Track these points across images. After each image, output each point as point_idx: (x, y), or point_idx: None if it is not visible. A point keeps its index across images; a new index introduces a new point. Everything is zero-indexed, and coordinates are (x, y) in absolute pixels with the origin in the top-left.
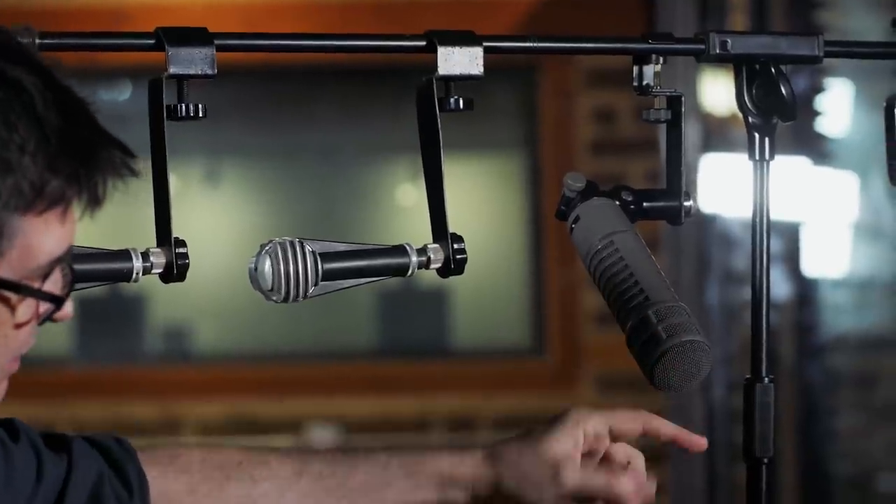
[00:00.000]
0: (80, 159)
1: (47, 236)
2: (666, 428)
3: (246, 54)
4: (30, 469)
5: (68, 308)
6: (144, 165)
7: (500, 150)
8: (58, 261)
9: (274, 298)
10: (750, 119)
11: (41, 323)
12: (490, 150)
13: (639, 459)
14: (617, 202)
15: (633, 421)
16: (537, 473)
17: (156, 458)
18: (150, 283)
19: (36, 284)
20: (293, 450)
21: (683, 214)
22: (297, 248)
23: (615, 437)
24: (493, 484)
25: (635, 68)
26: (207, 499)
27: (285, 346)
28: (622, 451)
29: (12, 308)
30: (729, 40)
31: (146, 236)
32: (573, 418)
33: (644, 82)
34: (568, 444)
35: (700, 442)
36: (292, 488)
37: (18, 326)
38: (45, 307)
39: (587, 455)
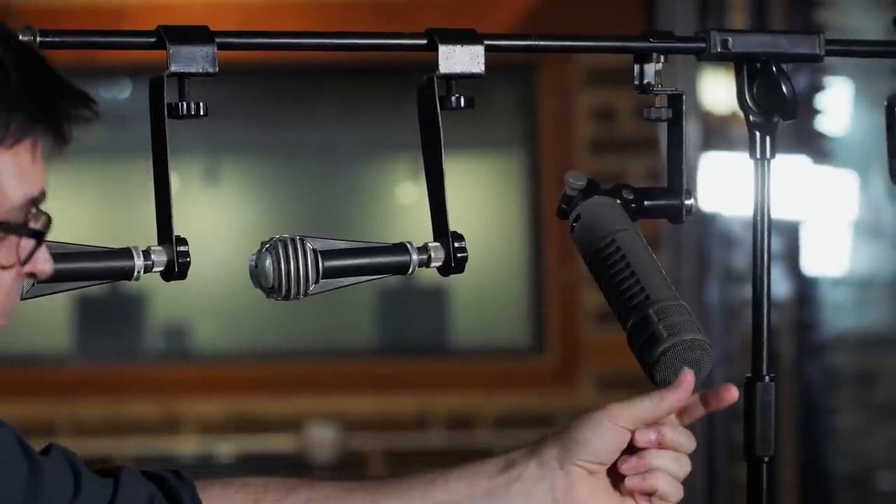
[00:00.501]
0: (41, 97)
1: (19, 173)
2: (700, 408)
3: (246, 53)
4: (63, 483)
5: (47, 262)
6: (145, 164)
7: (500, 149)
8: (33, 201)
9: (274, 296)
10: (751, 117)
11: (24, 264)
12: (490, 149)
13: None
14: (618, 200)
15: (662, 407)
16: (589, 417)
17: (214, 482)
18: (150, 282)
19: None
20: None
21: (684, 213)
22: (298, 246)
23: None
24: (555, 440)
25: (636, 67)
26: None
27: (285, 345)
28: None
29: None
30: (730, 39)
31: (147, 235)
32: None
33: (645, 81)
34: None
35: (731, 393)
36: (357, 490)
37: (2, 269)
38: (25, 248)
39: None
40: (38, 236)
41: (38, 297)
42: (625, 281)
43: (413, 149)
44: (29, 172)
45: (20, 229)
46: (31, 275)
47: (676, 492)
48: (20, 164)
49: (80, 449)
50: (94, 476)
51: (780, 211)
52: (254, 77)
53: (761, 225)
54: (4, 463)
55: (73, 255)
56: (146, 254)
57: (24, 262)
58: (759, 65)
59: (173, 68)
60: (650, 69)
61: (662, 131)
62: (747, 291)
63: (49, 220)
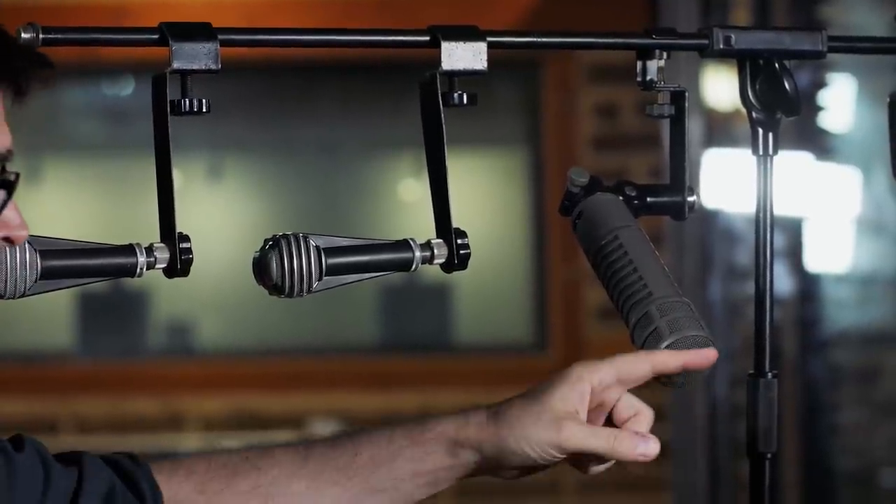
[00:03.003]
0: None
1: None
2: (674, 361)
3: (248, 49)
4: (36, 479)
5: (21, 228)
6: (148, 161)
7: (503, 146)
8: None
9: (277, 293)
10: (753, 114)
11: None
12: (493, 146)
13: (644, 415)
14: (620, 197)
15: (640, 363)
16: (539, 434)
17: (161, 468)
18: (153, 279)
19: None
20: (295, 440)
21: (687, 210)
22: (301, 243)
23: (626, 384)
24: (496, 445)
25: (639, 63)
26: (218, 496)
27: (288, 342)
28: (628, 403)
29: None
30: (732, 36)
31: (150, 231)
32: (577, 373)
33: (647, 77)
34: (572, 400)
35: (709, 354)
36: (300, 473)
37: None
38: None
39: (596, 409)
40: (8, 186)
41: (40, 293)
42: (627, 277)
43: (415, 146)
44: None
45: None
46: (7, 240)
47: None
48: None
49: (83, 446)
50: (60, 468)
51: (782, 208)
52: (256, 74)
53: (764, 222)
54: None
55: (76, 251)
56: (148, 250)
57: None
58: (761, 61)
59: (176, 65)
60: (653, 66)
61: (665, 128)
62: (750, 288)
63: (17, 177)
